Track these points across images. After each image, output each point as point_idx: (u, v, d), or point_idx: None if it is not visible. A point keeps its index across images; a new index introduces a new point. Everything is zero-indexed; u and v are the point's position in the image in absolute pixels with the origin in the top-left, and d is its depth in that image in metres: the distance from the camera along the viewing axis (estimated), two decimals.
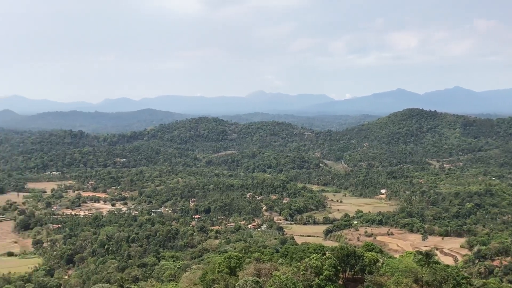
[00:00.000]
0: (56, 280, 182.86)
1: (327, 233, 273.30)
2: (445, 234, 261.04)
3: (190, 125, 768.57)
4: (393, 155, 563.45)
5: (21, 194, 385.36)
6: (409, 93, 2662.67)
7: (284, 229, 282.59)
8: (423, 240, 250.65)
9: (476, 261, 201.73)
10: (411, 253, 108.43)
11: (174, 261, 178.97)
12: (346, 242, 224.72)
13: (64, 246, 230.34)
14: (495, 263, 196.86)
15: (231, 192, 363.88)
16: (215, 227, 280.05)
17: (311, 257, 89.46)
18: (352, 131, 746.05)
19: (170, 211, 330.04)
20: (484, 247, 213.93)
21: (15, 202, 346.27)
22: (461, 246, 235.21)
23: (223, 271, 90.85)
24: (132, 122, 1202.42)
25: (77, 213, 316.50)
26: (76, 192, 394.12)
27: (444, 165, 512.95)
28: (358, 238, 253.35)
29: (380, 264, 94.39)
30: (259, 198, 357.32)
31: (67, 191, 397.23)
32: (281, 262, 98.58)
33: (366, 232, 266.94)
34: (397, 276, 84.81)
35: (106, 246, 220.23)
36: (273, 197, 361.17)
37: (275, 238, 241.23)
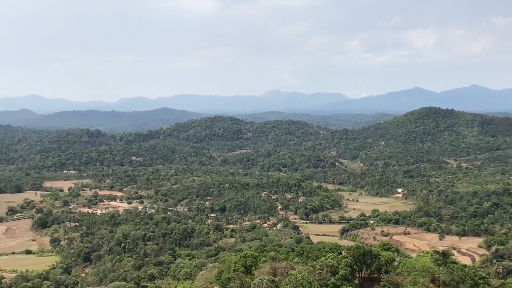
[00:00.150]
0: (73, 278, 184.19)
1: (343, 232, 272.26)
2: (463, 234, 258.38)
3: (206, 124, 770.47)
4: (409, 154, 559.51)
5: (38, 192, 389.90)
6: (426, 92, 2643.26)
7: (299, 228, 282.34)
8: (440, 239, 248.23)
9: (494, 261, 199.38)
10: (428, 253, 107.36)
11: (190, 259, 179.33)
12: (362, 242, 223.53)
13: (81, 244, 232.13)
14: None
15: (246, 191, 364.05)
16: (231, 226, 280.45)
17: (327, 256, 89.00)
18: (368, 129, 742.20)
19: (185, 209, 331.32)
20: (502, 247, 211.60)
21: (33, 201, 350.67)
22: (478, 246, 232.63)
23: (239, 270, 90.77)
24: (148, 121, 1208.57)
25: (94, 212, 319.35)
26: (93, 190, 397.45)
27: (462, 164, 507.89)
28: (374, 237, 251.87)
29: (396, 263, 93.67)
30: (274, 197, 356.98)
31: (84, 190, 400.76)
32: (297, 261, 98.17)
33: (382, 231, 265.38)
34: (414, 276, 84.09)
35: (122, 244, 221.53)
36: (289, 196, 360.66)
37: (290, 237, 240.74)
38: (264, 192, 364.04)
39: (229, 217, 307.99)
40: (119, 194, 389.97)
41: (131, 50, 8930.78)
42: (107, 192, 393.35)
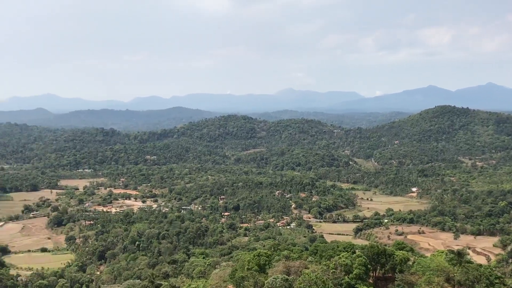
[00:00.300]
0: (88, 275, 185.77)
1: (357, 231, 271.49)
2: (478, 233, 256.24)
3: (219, 123, 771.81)
4: (424, 153, 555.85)
5: (54, 191, 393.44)
6: (440, 90, 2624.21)
7: (313, 227, 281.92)
8: (455, 239, 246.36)
9: (510, 260, 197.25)
10: (442, 252, 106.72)
11: (203, 258, 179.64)
12: (376, 241, 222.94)
13: (96, 243, 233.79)
14: None
15: (260, 190, 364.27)
16: (244, 225, 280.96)
17: (341, 256, 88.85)
18: (383, 128, 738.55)
19: (199, 208, 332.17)
20: None
21: (49, 199, 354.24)
22: (494, 245, 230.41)
23: (253, 269, 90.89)
24: (162, 120, 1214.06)
25: (108, 210, 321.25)
26: (107, 189, 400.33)
27: (477, 163, 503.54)
28: (388, 236, 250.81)
29: (411, 263, 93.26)
30: (288, 196, 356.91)
31: (99, 188, 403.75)
32: (311, 260, 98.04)
33: (396, 230, 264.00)
34: (429, 275, 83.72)
35: (137, 242, 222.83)
36: (302, 195, 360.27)
37: (304, 236, 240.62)
38: (278, 191, 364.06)
39: (243, 216, 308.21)
40: (134, 192, 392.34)
41: (145, 49, 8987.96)
42: (122, 191, 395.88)
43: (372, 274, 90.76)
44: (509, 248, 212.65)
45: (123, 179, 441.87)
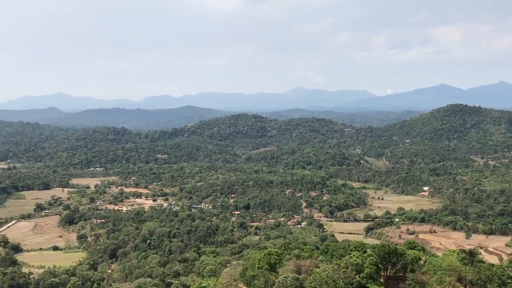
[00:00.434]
0: (99, 274, 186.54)
1: (368, 230, 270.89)
2: (490, 233, 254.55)
3: (230, 122, 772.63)
4: (436, 152, 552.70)
5: (66, 189, 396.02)
6: (452, 89, 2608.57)
7: (324, 226, 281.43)
8: (467, 238, 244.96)
9: None
10: (454, 252, 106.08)
11: (214, 256, 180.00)
12: (387, 240, 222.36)
13: (107, 241, 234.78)
14: None
15: (270, 189, 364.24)
16: (255, 223, 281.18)
17: (351, 255, 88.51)
18: (394, 127, 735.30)
19: (210, 207, 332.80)
20: None
21: (60, 198, 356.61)
22: (506, 245, 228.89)
23: (263, 267, 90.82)
24: (173, 119, 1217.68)
25: (119, 209, 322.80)
26: (119, 188, 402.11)
27: (489, 162, 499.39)
28: (399, 235, 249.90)
29: (422, 262, 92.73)
30: (298, 194, 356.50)
31: (110, 187, 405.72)
32: (321, 259, 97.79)
33: (408, 229, 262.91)
34: (440, 275, 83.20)
35: (148, 241, 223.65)
36: (313, 193, 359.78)
37: (315, 235, 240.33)
38: (289, 190, 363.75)
39: (253, 215, 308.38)
40: (145, 191, 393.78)
41: (156, 49, 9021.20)
42: (133, 189, 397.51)
43: (383, 273, 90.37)
44: None
45: (134, 178, 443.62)
